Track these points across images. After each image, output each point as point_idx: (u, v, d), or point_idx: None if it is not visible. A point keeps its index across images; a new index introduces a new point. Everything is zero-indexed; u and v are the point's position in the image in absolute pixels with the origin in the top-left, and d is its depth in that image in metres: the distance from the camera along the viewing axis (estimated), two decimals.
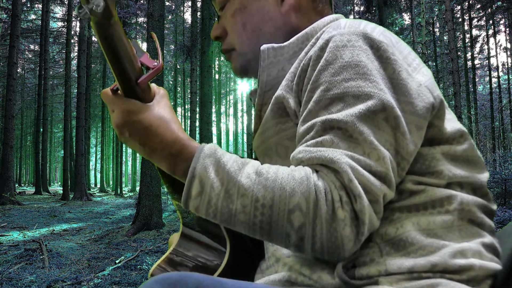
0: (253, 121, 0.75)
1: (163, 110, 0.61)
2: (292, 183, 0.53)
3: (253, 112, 0.87)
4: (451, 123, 0.64)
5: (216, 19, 0.82)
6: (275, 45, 0.70)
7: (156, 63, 0.59)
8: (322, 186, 0.53)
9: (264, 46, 0.70)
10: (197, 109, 13.44)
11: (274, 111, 0.67)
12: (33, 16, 27.80)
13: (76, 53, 23.44)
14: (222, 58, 32.53)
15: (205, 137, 10.11)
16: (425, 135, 0.61)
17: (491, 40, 28.69)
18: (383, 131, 0.56)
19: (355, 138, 0.55)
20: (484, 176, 0.65)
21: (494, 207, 0.65)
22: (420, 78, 0.61)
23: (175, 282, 0.49)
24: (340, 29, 0.62)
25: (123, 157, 31.25)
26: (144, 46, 33.21)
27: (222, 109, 38.68)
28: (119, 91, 0.58)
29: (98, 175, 39.98)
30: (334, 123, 0.56)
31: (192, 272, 0.52)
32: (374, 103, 0.56)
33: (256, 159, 0.77)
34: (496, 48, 28.32)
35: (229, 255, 0.70)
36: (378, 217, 0.55)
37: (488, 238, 0.61)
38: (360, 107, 0.56)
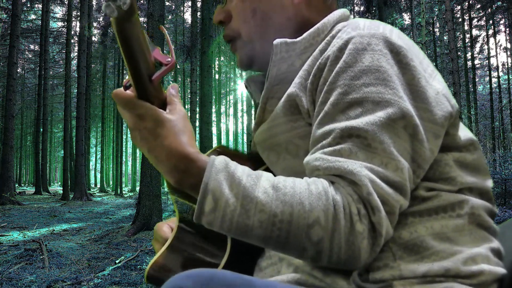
0: (250, 114, 0.73)
1: (175, 119, 0.59)
2: (310, 197, 0.52)
3: (254, 109, 0.85)
4: (463, 131, 0.64)
5: (222, 2, 0.79)
6: (289, 40, 0.68)
7: (169, 59, 0.58)
8: (340, 200, 0.52)
9: (277, 41, 0.68)
10: (197, 109, 13.45)
11: (286, 108, 0.66)
12: (33, 16, 27.81)
13: (76, 53, 23.45)
14: (222, 58, 32.54)
15: (205, 137, 10.12)
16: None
17: (491, 40, 28.71)
18: (401, 139, 0.55)
19: (374, 148, 0.54)
20: (490, 183, 0.66)
21: (496, 210, 0.66)
22: (437, 85, 0.61)
23: (207, 279, 0.48)
24: (359, 30, 0.61)
25: (123, 157, 31.23)
26: None
27: (222, 109, 38.67)
28: (131, 88, 0.57)
29: (98, 175, 40.00)
30: (353, 131, 0.55)
31: (222, 270, 0.52)
32: (394, 111, 0.55)
33: (253, 152, 0.76)
34: (496, 48, 28.32)
35: (230, 251, 0.68)
36: (392, 226, 0.55)
37: (495, 243, 0.62)
38: (380, 114, 0.55)
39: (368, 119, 0.55)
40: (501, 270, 0.59)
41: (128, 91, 0.58)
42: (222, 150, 0.75)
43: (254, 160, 0.74)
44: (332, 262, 0.53)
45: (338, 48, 0.60)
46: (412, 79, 0.58)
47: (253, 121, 0.87)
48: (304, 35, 0.69)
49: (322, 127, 0.59)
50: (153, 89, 0.58)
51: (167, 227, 0.78)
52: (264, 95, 0.70)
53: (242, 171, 0.55)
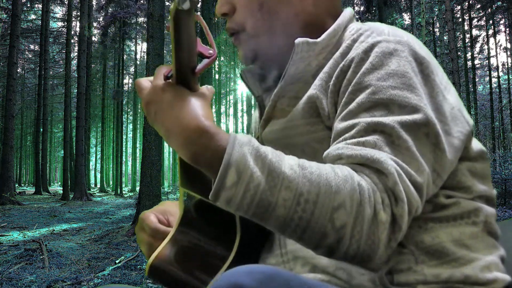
0: (254, 109, 0.72)
1: (195, 98, 0.57)
2: (336, 179, 0.50)
3: (258, 109, 0.83)
4: (474, 142, 0.66)
5: None
6: (310, 40, 0.67)
7: (211, 51, 0.57)
8: (366, 186, 0.51)
9: (299, 40, 0.67)
10: None
11: (305, 110, 0.65)
12: (33, 16, 27.84)
13: (76, 53, 23.45)
14: (222, 58, 32.56)
15: None
16: None
17: (491, 40, 28.72)
18: (423, 146, 0.55)
19: (398, 145, 0.53)
20: (494, 190, 0.68)
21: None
22: (451, 100, 0.62)
23: (268, 277, 0.45)
24: (385, 35, 0.62)
25: (123, 157, 31.22)
26: (144, 46, 33.15)
27: (222, 109, 38.66)
28: (172, 78, 0.57)
29: (98, 175, 39.97)
30: (378, 126, 0.54)
31: (279, 268, 0.50)
32: (420, 117, 0.55)
33: None
34: (496, 48, 28.36)
35: (238, 246, 0.66)
36: (407, 226, 0.54)
37: (502, 251, 0.64)
38: (406, 117, 0.55)
39: (393, 118, 0.55)
40: (508, 277, 0.62)
41: (168, 81, 0.57)
42: None
43: None
44: (349, 253, 0.51)
45: (363, 50, 0.61)
46: (432, 92, 0.59)
47: (253, 120, 0.86)
48: (323, 36, 0.68)
49: (345, 121, 0.58)
50: (193, 81, 0.57)
51: (154, 217, 0.75)
52: (276, 93, 0.69)
53: (266, 147, 0.53)
